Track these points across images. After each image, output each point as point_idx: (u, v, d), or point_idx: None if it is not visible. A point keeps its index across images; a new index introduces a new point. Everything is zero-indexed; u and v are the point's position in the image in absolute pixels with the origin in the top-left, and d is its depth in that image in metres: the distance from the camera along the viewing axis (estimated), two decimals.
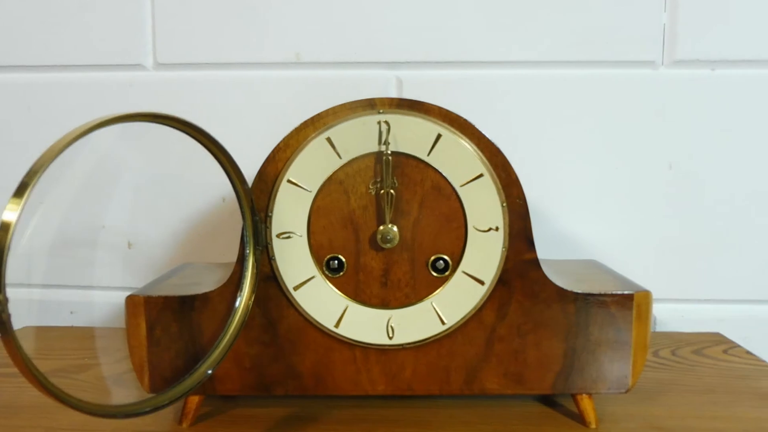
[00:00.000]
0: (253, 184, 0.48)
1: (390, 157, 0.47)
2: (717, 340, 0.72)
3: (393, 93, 0.73)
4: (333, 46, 0.74)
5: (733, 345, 0.70)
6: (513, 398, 0.55)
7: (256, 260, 0.48)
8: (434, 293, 0.49)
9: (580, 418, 0.51)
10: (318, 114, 0.48)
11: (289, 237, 0.48)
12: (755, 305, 0.76)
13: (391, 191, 0.47)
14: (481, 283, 0.48)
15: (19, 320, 0.76)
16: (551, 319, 0.49)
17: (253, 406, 0.54)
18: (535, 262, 0.49)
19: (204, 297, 0.49)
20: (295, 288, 0.49)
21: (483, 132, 0.48)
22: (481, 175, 0.47)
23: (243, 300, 0.48)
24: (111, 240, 0.77)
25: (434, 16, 0.73)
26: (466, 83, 0.74)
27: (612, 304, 0.49)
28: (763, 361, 0.65)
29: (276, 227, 0.48)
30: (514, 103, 0.74)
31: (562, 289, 0.49)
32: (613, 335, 0.49)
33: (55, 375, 0.61)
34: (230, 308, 0.48)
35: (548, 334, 0.49)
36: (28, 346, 0.70)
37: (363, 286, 0.49)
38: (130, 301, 0.49)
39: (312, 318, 0.49)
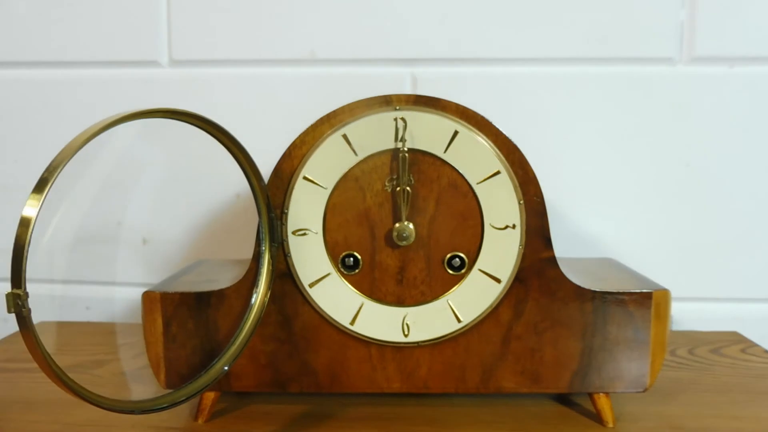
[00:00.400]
0: (269, 180, 0.48)
1: (406, 154, 0.47)
2: (735, 339, 0.71)
3: (408, 90, 0.73)
4: (348, 43, 0.73)
5: (751, 344, 0.69)
6: (529, 397, 0.54)
7: (271, 257, 0.48)
8: (450, 291, 0.49)
9: (597, 418, 0.50)
10: (334, 111, 0.48)
11: (304, 234, 0.48)
12: None
13: (407, 188, 0.47)
14: (498, 281, 0.48)
15: (37, 315, 0.77)
16: (568, 318, 0.49)
17: (269, 402, 0.54)
18: (553, 261, 0.48)
19: (220, 294, 0.49)
20: (311, 285, 0.49)
21: (500, 129, 0.47)
22: (498, 173, 0.47)
23: (259, 297, 0.48)
24: (127, 236, 0.77)
25: (450, 13, 0.72)
26: (482, 80, 0.73)
27: (630, 302, 0.48)
28: None
29: (292, 224, 0.48)
30: (529, 101, 0.73)
31: (579, 287, 0.48)
32: (631, 334, 0.49)
33: (73, 370, 0.62)
34: (246, 305, 0.48)
35: (565, 333, 0.49)
36: (46, 341, 0.70)
37: (378, 284, 0.49)
38: (147, 297, 0.49)
39: (327, 315, 0.49)
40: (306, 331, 0.49)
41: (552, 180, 0.68)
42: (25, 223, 0.33)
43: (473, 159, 0.47)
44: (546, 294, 0.49)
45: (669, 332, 0.50)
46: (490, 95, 0.73)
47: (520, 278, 0.48)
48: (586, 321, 0.49)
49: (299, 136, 0.48)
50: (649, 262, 0.73)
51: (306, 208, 0.48)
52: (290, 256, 0.48)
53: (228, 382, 0.50)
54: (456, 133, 0.47)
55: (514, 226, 0.48)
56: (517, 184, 0.47)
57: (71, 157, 0.35)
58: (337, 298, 0.49)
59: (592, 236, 0.75)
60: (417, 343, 0.49)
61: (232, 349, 0.47)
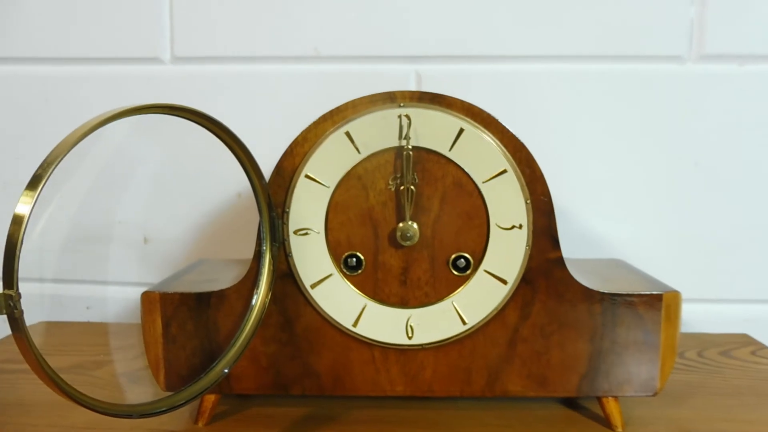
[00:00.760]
0: (270, 179, 0.47)
1: (411, 152, 0.46)
2: (744, 341, 0.70)
3: (412, 87, 0.72)
4: (352, 40, 0.73)
5: (761, 346, 0.68)
6: (536, 401, 0.53)
7: (272, 257, 0.47)
8: (455, 292, 0.48)
9: (605, 422, 0.49)
10: (337, 107, 0.47)
11: (306, 233, 0.47)
12: None
13: (412, 187, 0.46)
14: (504, 282, 0.47)
15: (35, 315, 0.77)
16: (576, 320, 0.48)
17: (270, 405, 0.53)
18: (560, 261, 0.47)
19: (220, 294, 0.48)
20: (313, 286, 0.48)
21: (507, 126, 0.46)
22: (504, 171, 0.46)
23: (260, 297, 0.47)
24: (127, 235, 0.76)
25: (455, 9, 0.71)
26: (487, 78, 0.72)
27: (640, 304, 0.47)
28: None
29: (293, 223, 0.47)
30: (535, 99, 0.72)
31: (587, 288, 0.47)
32: (640, 337, 0.48)
33: (71, 371, 0.61)
34: (247, 306, 0.47)
35: (573, 335, 0.48)
36: (43, 341, 0.70)
37: (382, 285, 0.48)
38: (146, 297, 0.48)
39: (329, 317, 0.48)
40: (308, 333, 0.49)
41: (558, 179, 0.67)
42: (17, 221, 0.32)
43: (479, 157, 0.46)
44: (553, 295, 0.48)
45: (679, 335, 0.49)
46: (496, 93, 0.72)
47: (526, 279, 0.47)
48: (594, 323, 0.48)
49: (301, 133, 0.47)
50: (656, 262, 0.72)
51: (308, 207, 0.47)
52: (291, 256, 0.47)
53: (228, 385, 0.49)
54: (461, 130, 0.46)
55: (520, 226, 0.47)
56: (524, 183, 0.46)
57: (66, 154, 0.34)
58: (339, 299, 0.48)
59: (598, 236, 0.73)
60: (421, 345, 0.48)
61: (233, 351, 0.46)
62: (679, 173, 0.72)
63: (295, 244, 0.47)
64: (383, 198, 0.47)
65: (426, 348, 0.48)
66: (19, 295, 0.32)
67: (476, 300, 0.47)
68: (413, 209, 0.47)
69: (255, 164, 0.45)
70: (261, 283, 0.47)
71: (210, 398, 0.49)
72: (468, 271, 0.47)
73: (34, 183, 0.33)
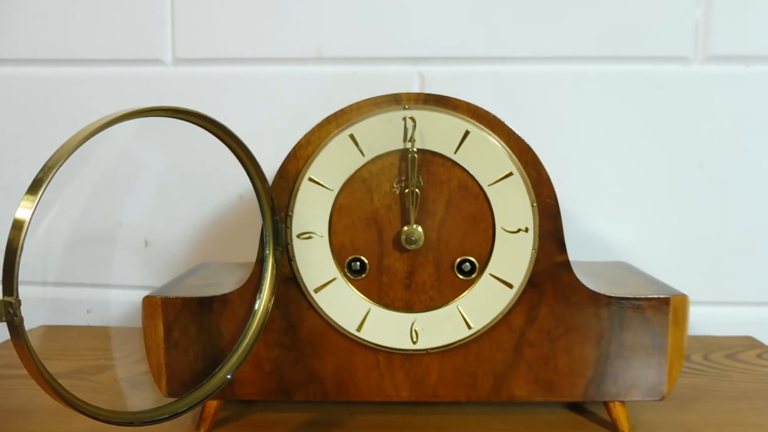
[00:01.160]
0: (273, 182, 0.47)
1: (416, 155, 0.45)
2: (750, 344, 0.69)
3: (415, 89, 0.72)
4: (354, 41, 0.72)
5: (767, 349, 0.68)
6: (542, 405, 0.53)
7: (275, 261, 0.47)
8: (460, 296, 0.47)
9: (612, 427, 0.49)
10: (341, 110, 0.47)
11: (309, 237, 0.47)
12: None
13: (417, 190, 0.46)
14: (510, 286, 0.47)
15: (35, 319, 0.76)
16: (583, 324, 0.47)
17: (273, 411, 0.52)
18: (567, 265, 0.47)
19: (223, 298, 0.48)
20: (316, 290, 0.47)
21: (512, 128, 0.46)
22: (510, 174, 0.45)
23: (263, 302, 0.46)
24: (128, 238, 0.76)
25: (458, 10, 0.71)
26: (491, 79, 0.72)
27: (648, 308, 0.47)
28: None
29: (296, 227, 0.47)
30: (540, 100, 0.71)
31: (594, 292, 0.47)
32: (648, 341, 0.47)
33: (73, 376, 0.60)
34: (250, 310, 0.47)
35: (580, 340, 0.47)
36: (43, 346, 0.69)
37: (386, 289, 0.47)
38: (147, 302, 0.47)
39: (333, 321, 0.47)
40: (311, 338, 0.48)
41: (562, 181, 0.66)
42: (18, 226, 0.31)
43: (485, 160, 0.45)
44: (560, 299, 0.47)
45: (687, 338, 0.48)
46: (500, 94, 0.71)
47: (533, 283, 0.47)
48: (601, 327, 0.47)
49: (305, 135, 0.47)
50: (660, 264, 0.71)
51: (311, 210, 0.46)
52: (295, 260, 0.47)
53: (231, 390, 0.49)
54: (467, 133, 0.45)
55: (526, 230, 0.46)
56: (530, 186, 0.46)
57: (67, 158, 0.33)
58: (343, 304, 0.47)
59: (602, 239, 0.73)
60: (426, 350, 0.47)
61: (236, 357, 0.45)
62: (684, 175, 0.72)
63: (299, 247, 0.47)
64: (388, 201, 0.46)
65: (431, 353, 0.48)
66: (19, 302, 0.32)
67: (482, 304, 0.47)
68: (418, 212, 0.46)
69: (258, 167, 0.45)
70: (264, 287, 0.46)
71: (212, 404, 0.49)
72: (473, 275, 0.47)
73: (34, 187, 0.32)
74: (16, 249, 0.31)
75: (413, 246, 0.46)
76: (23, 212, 0.32)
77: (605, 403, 0.49)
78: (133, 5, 0.73)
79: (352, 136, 0.46)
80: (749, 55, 0.70)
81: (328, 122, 0.47)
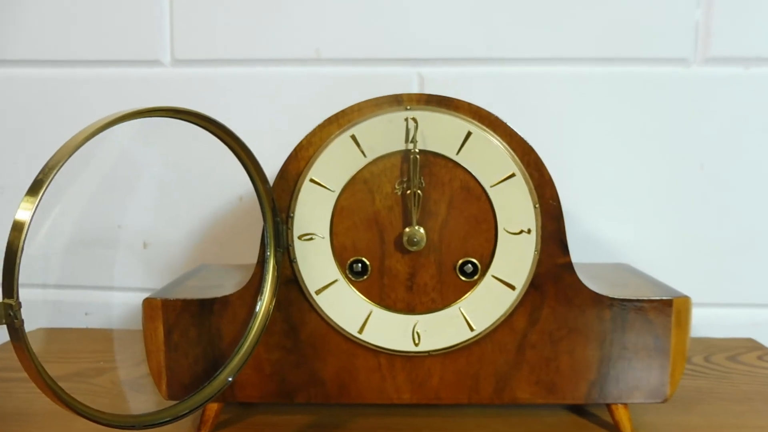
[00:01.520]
0: (274, 183, 0.46)
1: (417, 156, 0.45)
2: (751, 345, 0.69)
3: (415, 90, 0.72)
4: (353, 42, 0.72)
5: None
6: (544, 407, 0.53)
7: (277, 263, 0.46)
8: (462, 298, 0.47)
9: (614, 429, 0.49)
10: (342, 110, 0.46)
11: (311, 238, 0.47)
12: None
13: (418, 191, 0.45)
14: (512, 287, 0.46)
15: (34, 322, 0.75)
16: (585, 326, 0.47)
17: (274, 413, 0.52)
18: (569, 266, 0.46)
19: (224, 300, 0.47)
20: (317, 292, 0.47)
21: (515, 129, 0.46)
22: (512, 175, 0.45)
23: (264, 304, 0.46)
24: (126, 239, 0.75)
25: (457, 11, 0.71)
26: (491, 80, 0.71)
27: (650, 310, 0.47)
28: None
29: (298, 228, 0.46)
30: (539, 102, 0.71)
31: (597, 294, 0.47)
32: (650, 342, 0.47)
33: (71, 379, 0.60)
34: (251, 312, 0.47)
35: (582, 341, 0.47)
36: (43, 348, 0.69)
37: (388, 291, 0.47)
38: (147, 304, 0.47)
39: (335, 323, 0.47)
40: (313, 340, 0.48)
41: (562, 182, 0.66)
42: (18, 228, 0.31)
43: (487, 161, 0.45)
44: (562, 301, 0.47)
45: (689, 340, 0.48)
46: (500, 96, 0.71)
47: (535, 285, 0.47)
48: (604, 329, 0.47)
49: (306, 136, 0.46)
50: (661, 266, 0.71)
51: (312, 211, 0.46)
52: (296, 262, 0.47)
53: (232, 393, 0.48)
54: (469, 134, 0.45)
55: (529, 231, 0.46)
56: (533, 187, 0.46)
57: (68, 158, 0.33)
58: (344, 306, 0.47)
59: (602, 240, 0.73)
60: (428, 352, 0.47)
61: (237, 359, 0.45)
62: (685, 176, 0.72)
63: (300, 249, 0.47)
64: (389, 202, 0.46)
65: (433, 355, 0.47)
66: (19, 305, 0.31)
67: (484, 306, 0.47)
68: (420, 214, 0.46)
69: (259, 168, 0.44)
70: (265, 289, 0.46)
71: (213, 407, 0.48)
72: (475, 277, 0.47)
73: (35, 188, 0.32)
74: (17, 251, 0.31)
75: (415, 247, 0.46)
76: (23, 213, 0.32)
77: (608, 406, 0.49)
78: (132, 6, 0.73)
79: (353, 137, 0.45)
80: (749, 56, 0.70)
81: (330, 123, 0.46)
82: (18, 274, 0.31)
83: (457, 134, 0.45)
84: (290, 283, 0.47)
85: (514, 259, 0.46)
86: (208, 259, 0.75)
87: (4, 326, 0.32)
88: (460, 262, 0.47)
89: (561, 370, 0.47)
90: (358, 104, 0.46)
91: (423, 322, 0.47)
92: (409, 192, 0.46)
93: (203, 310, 0.47)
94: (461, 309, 0.47)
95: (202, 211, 0.75)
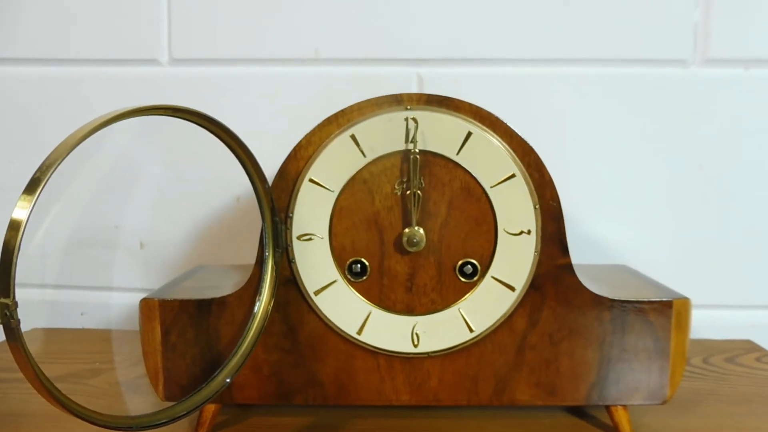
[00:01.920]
0: (273, 183, 0.46)
1: (417, 156, 0.45)
2: (749, 347, 0.69)
3: (414, 90, 0.71)
4: (352, 42, 0.72)
5: (766, 353, 0.68)
6: (543, 409, 0.52)
7: (275, 263, 0.46)
8: (462, 299, 0.47)
9: (614, 431, 0.48)
10: (342, 110, 0.46)
11: (310, 239, 0.46)
12: None
13: (418, 192, 0.45)
14: (512, 288, 0.46)
15: (30, 322, 0.75)
16: (585, 327, 0.47)
17: (272, 415, 0.52)
18: (569, 268, 0.46)
19: (222, 301, 0.47)
20: (316, 292, 0.47)
21: (515, 130, 0.45)
22: (513, 176, 0.45)
23: (262, 305, 0.46)
24: (123, 240, 0.75)
25: (457, 12, 0.71)
26: (490, 81, 0.71)
27: (650, 311, 0.46)
28: None
29: (296, 228, 0.46)
30: (539, 102, 0.71)
31: (597, 295, 0.46)
32: (650, 344, 0.47)
33: (67, 380, 0.59)
34: (249, 313, 0.46)
35: (582, 343, 0.47)
36: (38, 349, 0.68)
37: (387, 291, 0.47)
38: (145, 304, 0.47)
39: (333, 324, 0.47)
40: (311, 341, 0.47)
41: (561, 183, 0.66)
42: (14, 227, 0.31)
43: (487, 161, 0.45)
44: (562, 302, 0.47)
45: (689, 342, 0.48)
46: (499, 96, 0.71)
47: (535, 286, 0.46)
48: (604, 330, 0.47)
49: (305, 136, 0.46)
50: (659, 268, 0.71)
51: (312, 211, 0.46)
52: (295, 262, 0.46)
53: (230, 394, 0.48)
54: (469, 134, 0.45)
55: (529, 232, 0.46)
56: (533, 188, 0.45)
57: (65, 156, 0.32)
58: (343, 306, 0.47)
59: (601, 241, 0.73)
60: (427, 353, 0.47)
61: (235, 360, 0.45)
62: (684, 177, 0.72)
63: (299, 249, 0.46)
64: (389, 203, 0.46)
65: (432, 356, 0.47)
66: (15, 304, 0.31)
67: (483, 307, 0.46)
68: (420, 214, 0.46)
69: (258, 167, 0.44)
70: (263, 289, 0.46)
71: (210, 408, 0.48)
72: (475, 278, 0.46)
73: (32, 187, 0.31)
74: (13, 250, 0.31)
75: (415, 248, 0.45)
76: (20, 212, 0.31)
77: (607, 407, 0.48)
78: (130, 5, 0.73)
79: (353, 137, 0.45)
80: (748, 58, 0.70)
81: (329, 123, 0.46)
82: (14, 273, 0.31)
83: (457, 134, 0.45)
84: (289, 283, 0.47)
85: (514, 260, 0.46)
86: (206, 259, 0.74)
87: (0, 326, 0.31)
88: (460, 262, 0.46)
89: (561, 372, 0.47)
90: (358, 104, 0.46)
91: (422, 323, 0.47)
92: (408, 192, 0.45)
93: (201, 310, 0.47)
94: (461, 310, 0.47)
95: (199, 211, 0.74)
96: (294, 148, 0.46)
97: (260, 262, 0.46)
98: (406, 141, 0.45)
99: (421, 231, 0.45)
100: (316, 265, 0.46)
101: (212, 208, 0.74)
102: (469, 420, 0.51)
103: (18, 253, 0.31)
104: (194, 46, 0.73)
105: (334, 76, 0.72)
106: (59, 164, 0.32)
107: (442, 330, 0.47)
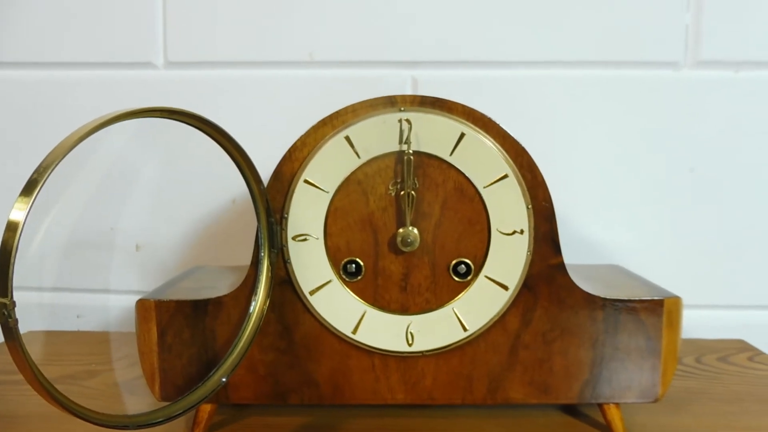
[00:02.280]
0: (269, 184, 0.47)
1: (411, 157, 0.45)
2: (741, 347, 0.70)
3: (409, 93, 0.72)
4: (347, 44, 0.72)
5: (758, 352, 0.68)
6: (537, 408, 0.53)
7: (271, 263, 0.46)
8: (456, 299, 0.47)
9: (606, 429, 0.49)
10: (336, 112, 0.47)
11: (305, 239, 0.47)
12: None
13: (412, 192, 0.46)
14: (505, 288, 0.47)
15: (26, 324, 0.75)
16: (578, 326, 0.47)
17: (268, 415, 0.52)
18: (562, 267, 0.47)
19: (217, 301, 0.47)
20: (311, 292, 0.47)
21: (508, 131, 0.46)
22: (505, 176, 0.46)
23: (258, 305, 0.46)
24: (119, 242, 0.75)
25: (451, 14, 0.71)
26: (484, 83, 0.72)
27: (642, 310, 0.47)
28: None
29: (292, 229, 0.47)
30: (532, 104, 0.72)
31: (589, 294, 0.47)
32: (642, 343, 0.47)
33: (63, 382, 0.59)
34: (244, 313, 0.47)
35: (575, 342, 0.47)
36: (35, 351, 0.68)
37: (382, 291, 0.47)
38: (141, 305, 0.47)
39: (329, 324, 0.47)
40: (306, 341, 0.48)
41: (554, 185, 0.67)
42: (12, 228, 0.31)
43: (480, 162, 0.46)
44: (555, 301, 0.47)
45: (680, 340, 0.48)
46: (493, 98, 0.72)
47: (528, 285, 0.47)
48: (596, 329, 0.47)
49: (300, 137, 0.47)
50: (652, 268, 0.71)
51: (307, 212, 0.46)
52: (290, 263, 0.47)
53: (226, 394, 0.48)
54: (462, 135, 0.45)
55: (522, 232, 0.46)
56: (525, 188, 0.46)
57: (63, 158, 0.33)
58: (338, 306, 0.47)
59: (594, 242, 0.73)
60: (421, 352, 0.47)
61: (230, 360, 0.45)
62: (676, 179, 0.72)
63: (294, 250, 0.47)
64: (383, 203, 0.46)
65: (426, 355, 0.48)
66: (13, 304, 0.31)
67: (477, 306, 0.47)
68: (414, 215, 0.46)
69: (253, 169, 0.45)
70: (259, 290, 0.46)
71: (206, 408, 0.48)
72: (469, 277, 0.47)
73: (29, 188, 0.32)
74: (11, 250, 0.31)
75: (409, 248, 0.46)
76: (17, 214, 0.32)
77: (600, 406, 0.49)
78: (125, 8, 0.73)
79: (347, 138, 0.46)
80: (739, 60, 0.70)
81: (324, 124, 0.46)
82: (12, 274, 0.31)
83: (450, 135, 0.45)
84: (284, 283, 0.47)
85: (507, 259, 0.46)
86: (202, 261, 0.75)
87: None
88: (454, 262, 0.47)
89: (554, 371, 0.48)
90: (353, 105, 0.47)
91: (416, 322, 0.47)
92: (402, 193, 0.46)
93: (197, 311, 0.47)
94: (455, 309, 0.47)
95: (195, 213, 0.74)
96: (289, 150, 0.47)
97: (256, 262, 0.47)
98: (400, 142, 0.45)
99: (415, 231, 0.46)
100: (311, 265, 0.47)
101: (208, 210, 0.74)
102: (463, 419, 0.51)
103: (16, 253, 0.31)
104: (189, 49, 0.73)
105: (330, 79, 0.72)
106: (56, 166, 0.33)
107: (436, 329, 0.47)
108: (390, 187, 0.46)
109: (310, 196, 0.46)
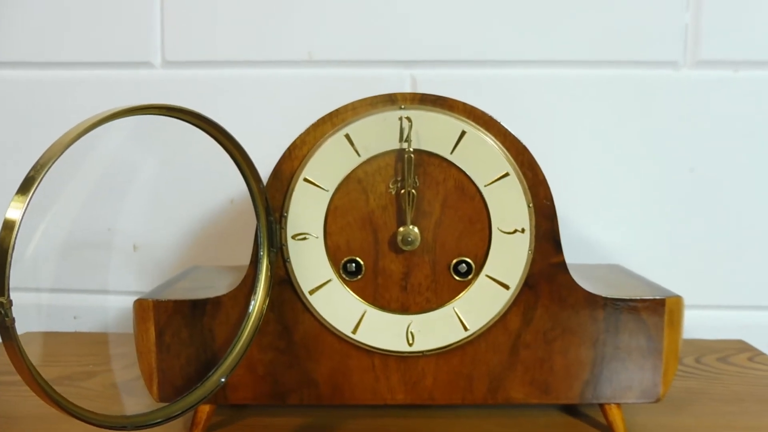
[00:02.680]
0: (268, 182, 0.46)
1: (412, 155, 0.45)
2: (741, 347, 0.70)
3: (408, 91, 0.71)
4: (346, 44, 0.72)
5: (758, 352, 0.68)
6: (537, 408, 0.53)
7: (270, 263, 0.46)
8: (456, 298, 0.47)
9: (607, 429, 0.48)
10: (336, 110, 0.46)
11: (304, 238, 0.46)
12: None
13: (413, 191, 0.45)
14: (506, 287, 0.46)
15: (23, 325, 0.75)
16: (579, 326, 0.47)
17: (267, 415, 0.52)
18: (563, 266, 0.47)
19: (216, 301, 0.47)
20: (311, 292, 0.47)
21: (509, 129, 0.46)
22: (506, 175, 0.45)
23: (257, 304, 0.46)
24: (116, 243, 0.75)
25: (450, 13, 0.71)
26: (483, 83, 0.72)
27: (643, 309, 0.47)
28: None
29: (291, 228, 0.46)
30: (531, 104, 0.72)
31: (590, 294, 0.47)
32: (643, 342, 0.47)
33: (61, 383, 0.59)
34: (243, 313, 0.46)
35: (576, 341, 0.47)
36: (32, 352, 0.67)
37: (382, 290, 0.47)
38: (139, 305, 0.47)
39: (328, 323, 0.47)
40: (306, 340, 0.47)
41: (554, 184, 0.67)
42: (8, 226, 0.31)
43: (481, 160, 0.45)
44: (556, 301, 0.47)
45: (682, 340, 0.48)
46: (492, 98, 0.71)
47: (529, 284, 0.47)
48: (597, 329, 0.47)
49: (299, 136, 0.46)
50: (652, 268, 0.71)
51: (306, 211, 0.46)
52: (290, 262, 0.46)
53: (224, 394, 0.48)
54: (463, 133, 0.45)
55: (523, 230, 0.46)
56: (527, 187, 0.46)
57: (60, 155, 0.32)
58: (338, 306, 0.47)
59: (595, 242, 0.73)
60: (422, 352, 0.47)
61: (229, 360, 0.45)
62: (675, 178, 0.72)
63: (294, 249, 0.46)
64: (383, 202, 0.46)
65: (427, 355, 0.47)
66: (10, 302, 0.31)
67: (478, 305, 0.47)
68: (414, 213, 0.46)
69: (252, 167, 0.44)
70: (258, 289, 0.46)
71: (204, 408, 0.48)
72: (470, 276, 0.47)
73: (26, 186, 0.31)
74: (7, 249, 0.31)
75: (409, 247, 0.46)
76: (14, 212, 0.31)
77: (601, 406, 0.49)
78: (123, 8, 0.73)
79: (347, 136, 0.45)
80: (738, 60, 0.70)
81: (324, 122, 0.46)
82: (9, 273, 0.31)
83: (451, 133, 0.45)
84: (283, 283, 0.47)
85: (508, 258, 0.46)
86: (200, 261, 0.74)
87: None
88: (454, 261, 0.46)
89: (555, 370, 0.47)
90: (353, 103, 0.46)
91: (417, 322, 0.47)
92: (403, 191, 0.45)
93: (195, 310, 0.47)
94: (455, 309, 0.47)
95: (193, 213, 0.74)
96: (288, 148, 0.46)
97: (255, 261, 0.46)
98: (401, 140, 0.45)
99: (416, 230, 0.46)
100: (310, 264, 0.46)
101: (207, 209, 0.74)
102: (464, 419, 0.51)
103: (12, 251, 0.31)
104: (187, 49, 0.73)
105: (329, 78, 0.72)
106: (53, 163, 0.32)
107: (436, 329, 0.47)
108: (390, 186, 0.46)
109: (309, 194, 0.46)
